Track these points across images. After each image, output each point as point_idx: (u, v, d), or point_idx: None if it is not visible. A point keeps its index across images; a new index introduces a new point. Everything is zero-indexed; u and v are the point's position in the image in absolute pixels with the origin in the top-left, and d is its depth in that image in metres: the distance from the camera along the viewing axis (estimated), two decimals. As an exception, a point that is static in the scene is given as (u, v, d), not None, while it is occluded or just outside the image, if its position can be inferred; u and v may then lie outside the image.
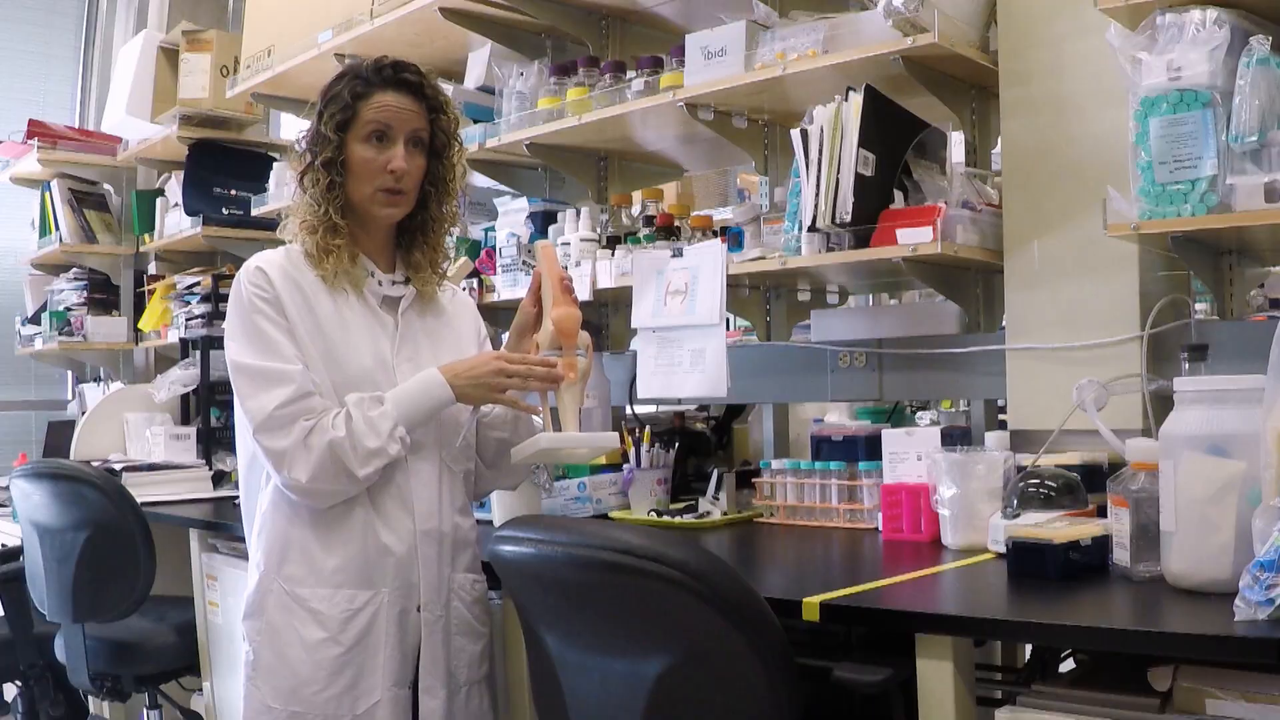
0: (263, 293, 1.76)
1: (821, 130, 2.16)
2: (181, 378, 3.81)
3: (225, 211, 4.30)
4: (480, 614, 1.90)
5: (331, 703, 1.73)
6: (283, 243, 1.88)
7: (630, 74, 2.63)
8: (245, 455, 1.85)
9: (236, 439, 1.88)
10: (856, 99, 2.14)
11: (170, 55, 4.40)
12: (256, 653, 1.77)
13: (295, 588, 1.75)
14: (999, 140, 2.21)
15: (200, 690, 2.85)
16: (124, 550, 2.58)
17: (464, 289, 2.87)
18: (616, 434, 1.98)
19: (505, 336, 1.97)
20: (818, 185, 2.15)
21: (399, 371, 1.82)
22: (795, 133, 2.21)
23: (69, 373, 5.54)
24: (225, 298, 3.91)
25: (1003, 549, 1.73)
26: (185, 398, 3.87)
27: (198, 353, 3.79)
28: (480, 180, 3.17)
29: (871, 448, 2.25)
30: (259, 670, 1.76)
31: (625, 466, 2.48)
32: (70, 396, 5.53)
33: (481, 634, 1.90)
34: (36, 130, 4.83)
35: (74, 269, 4.93)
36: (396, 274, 1.89)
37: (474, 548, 1.91)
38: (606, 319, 3.01)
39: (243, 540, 1.97)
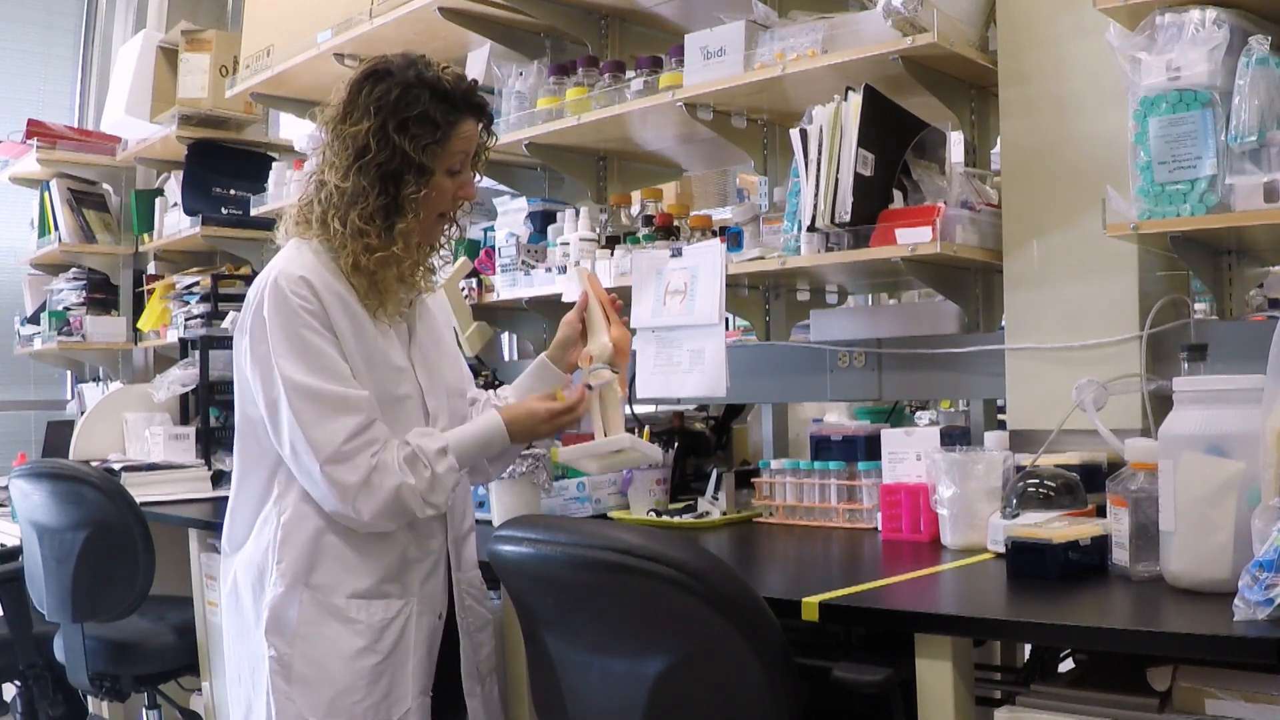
0: (308, 304, 1.69)
1: (821, 130, 2.16)
2: (181, 377, 3.80)
3: (224, 211, 4.30)
4: (487, 606, 1.93)
5: (370, 712, 1.72)
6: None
7: (629, 74, 2.63)
8: (244, 460, 1.81)
9: (235, 441, 1.84)
10: (856, 99, 2.14)
11: (170, 55, 4.40)
12: (286, 664, 1.72)
13: (329, 597, 1.72)
14: (998, 140, 2.21)
15: (199, 690, 2.85)
16: (123, 550, 2.58)
17: (463, 289, 2.88)
18: (658, 446, 2.04)
19: (525, 357, 1.96)
20: (817, 185, 2.15)
21: (417, 375, 1.82)
22: (794, 133, 2.21)
23: (68, 373, 5.53)
24: (225, 298, 3.99)
25: (1002, 549, 1.73)
26: (184, 397, 3.86)
27: (197, 352, 3.78)
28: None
29: (871, 448, 2.25)
30: (292, 682, 1.71)
31: (625, 466, 2.48)
32: (69, 396, 5.52)
33: (491, 625, 1.93)
34: (36, 130, 4.83)
35: (73, 269, 4.93)
36: None
37: (475, 543, 1.93)
38: (606, 319, 3.00)
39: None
